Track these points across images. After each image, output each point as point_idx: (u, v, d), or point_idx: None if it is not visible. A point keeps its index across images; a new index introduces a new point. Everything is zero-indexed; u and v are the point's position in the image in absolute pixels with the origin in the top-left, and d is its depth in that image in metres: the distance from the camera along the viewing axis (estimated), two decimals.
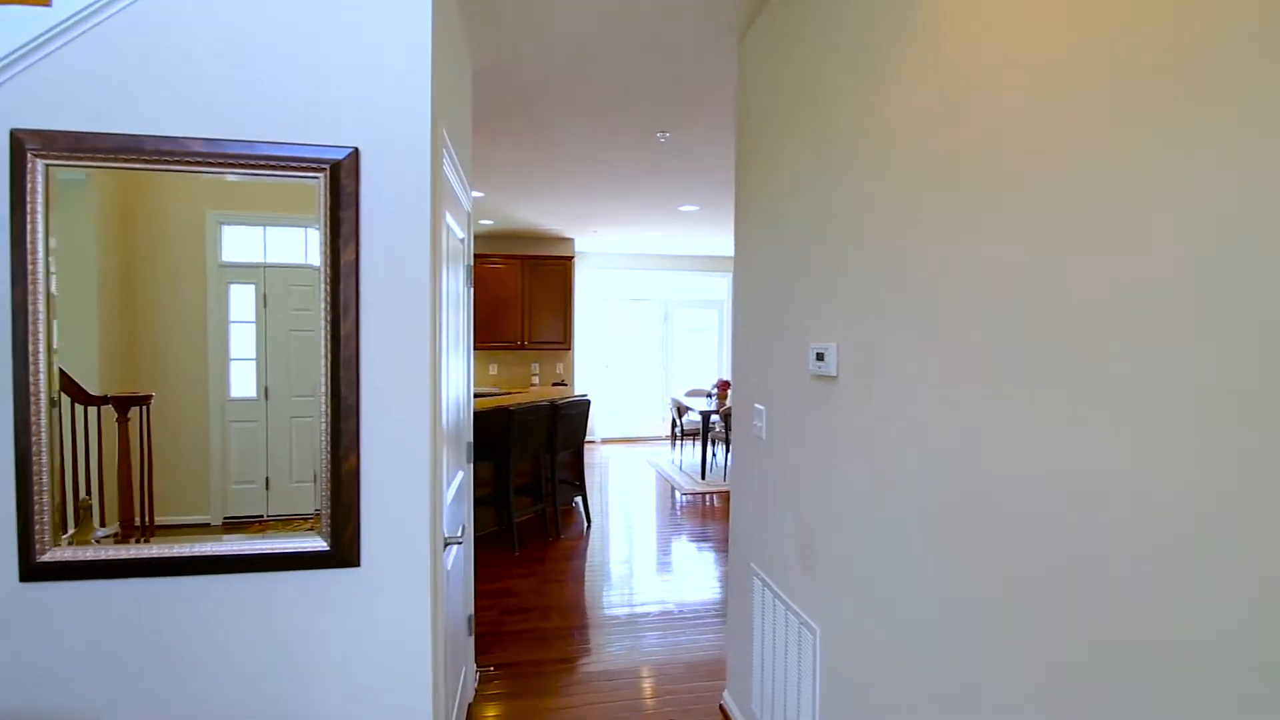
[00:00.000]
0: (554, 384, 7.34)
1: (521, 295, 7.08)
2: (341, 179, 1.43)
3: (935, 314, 1.20)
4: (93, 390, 1.38)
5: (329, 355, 1.44)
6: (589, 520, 5.00)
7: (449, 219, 1.95)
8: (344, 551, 1.47)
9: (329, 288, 1.43)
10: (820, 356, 1.64)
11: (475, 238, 7.26)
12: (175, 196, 1.39)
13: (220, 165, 1.38)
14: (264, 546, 1.42)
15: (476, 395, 6.68)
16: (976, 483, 1.09)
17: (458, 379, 2.21)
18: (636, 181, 4.69)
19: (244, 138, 1.40)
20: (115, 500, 1.38)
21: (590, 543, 4.57)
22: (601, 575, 3.94)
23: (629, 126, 3.47)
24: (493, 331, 7.05)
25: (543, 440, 4.53)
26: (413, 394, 1.51)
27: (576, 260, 8.26)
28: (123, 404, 1.39)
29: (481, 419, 4.60)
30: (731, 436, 2.40)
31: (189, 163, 1.37)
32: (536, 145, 3.84)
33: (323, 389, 1.44)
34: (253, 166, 1.39)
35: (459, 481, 2.23)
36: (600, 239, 7.47)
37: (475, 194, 5.09)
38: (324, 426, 1.45)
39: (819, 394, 1.67)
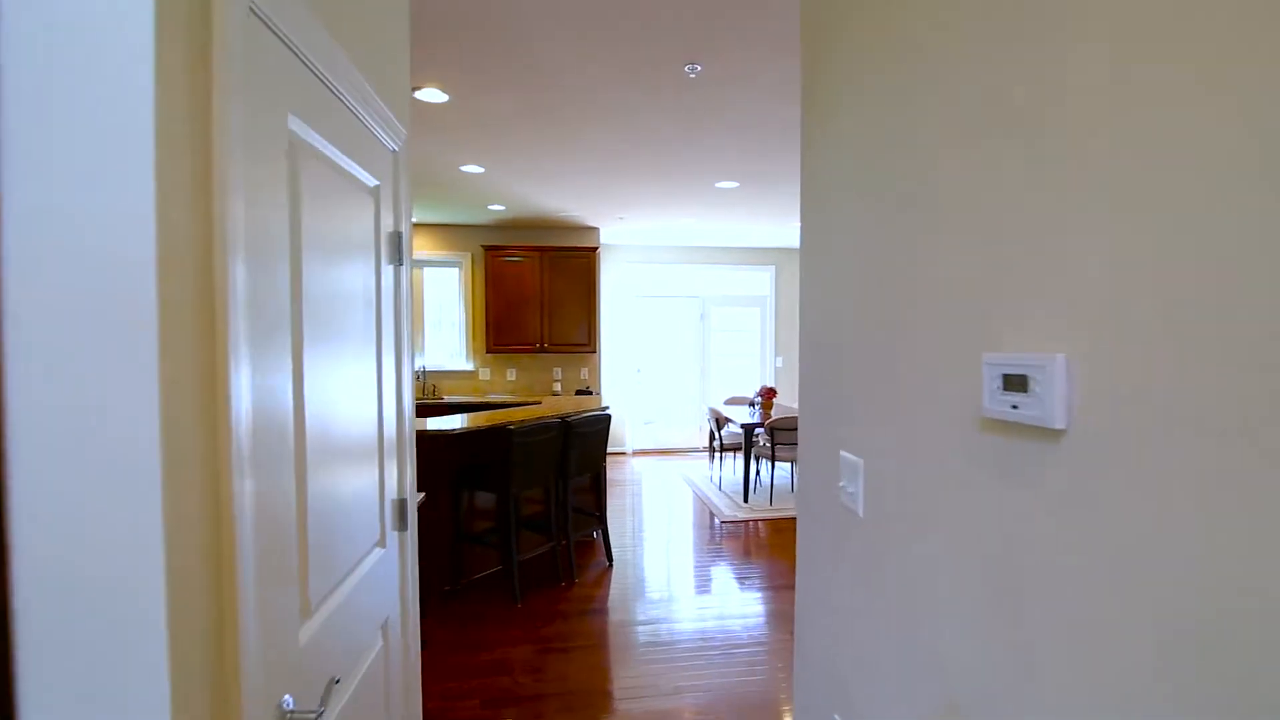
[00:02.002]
0: (578, 391, 6.54)
1: (541, 292, 6.31)
2: None
3: None
4: None
5: None
6: (610, 559, 4.17)
7: (313, 138, 1.13)
8: None
9: None
10: (1015, 384, 0.76)
11: (486, 228, 6.52)
12: None
13: None
14: None
15: (495, 406, 5.93)
16: None
17: (367, 402, 1.39)
18: (663, 144, 3.83)
19: None
20: None
21: (610, 589, 3.73)
22: (622, 638, 3.10)
23: (648, 52, 2.62)
24: (509, 333, 6.29)
25: (553, 464, 3.72)
26: (133, 440, 0.70)
27: (602, 253, 7.46)
28: None
29: (477, 440, 3.82)
30: (800, 498, 1.52)
31: None
32: (533, 89, 3.03)
33: None
34: None
35: (369, 567, 1.42)
36: (627, 228, 6.64)
37: (474, 168, 4.31)
38: None
39: (1009, 459, 0.79)
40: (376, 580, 1.47)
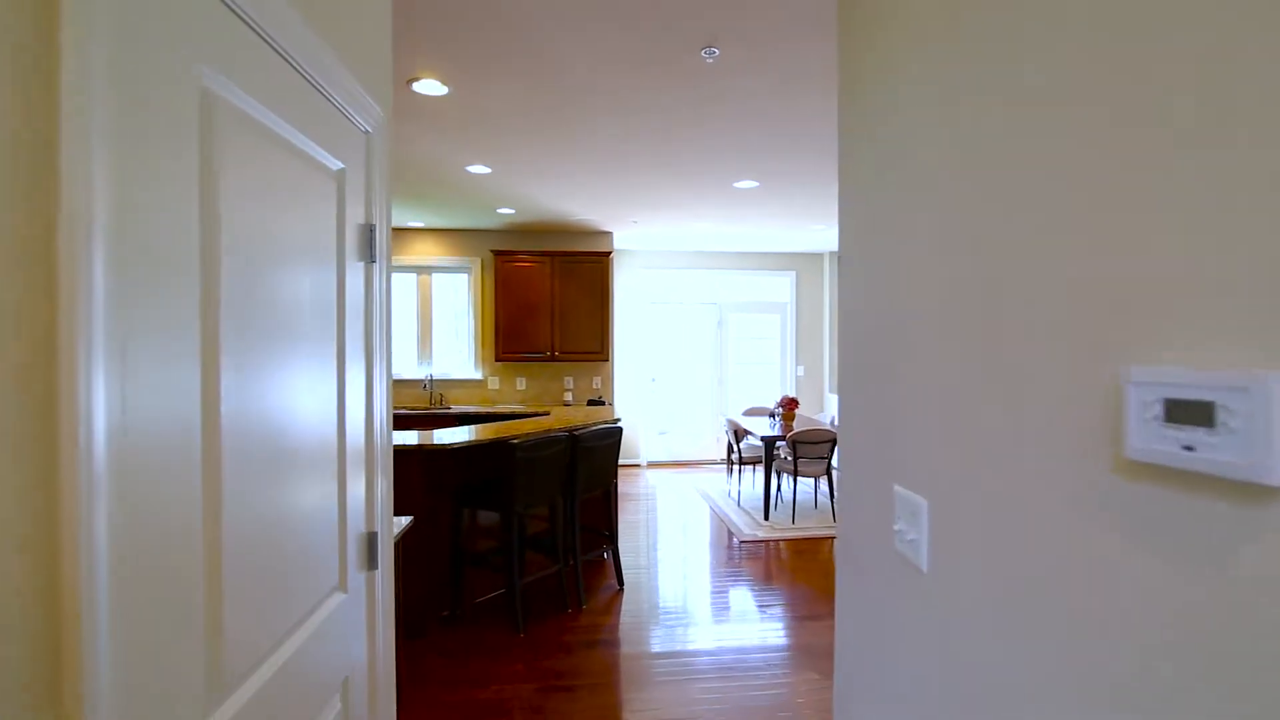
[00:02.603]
0: (590, 401, 6.32)
1: (551, 298, 6.10)
2: None
3: None
4: None
5: None
6: (621, 582, 3.92)
7: (241, 100, 0.91)
8: None
9: None
10: (1188, 414, 0.52)
11: (495, 232, 6.34)
12: None
13: None
14: None
15: (503, 416, 5.72)
16: None
17: (322, 418, 1.17)
18: (678, 140, 3.61)
19: None
20: None
21: (620, 616, 3.48)
22: (633, 674, 2.84)
23: (661, 36, 2.39)
24: (519, 340, 6.09)
25: (559, 481, 3.48)
26: None
27: (615, 258, 7.26)
28: None
29: (478, 455, 3.61)
30: (840, 540, 1.26)
31: None
32: (538, 80, 2.82)
33: None
34: None
35: (324, 618, 1.19)
36: (641, 232, 6.43)
37: (480, 169, 4.12)
38: None
39: (1173, 522, 0.54)
40: (334, 633, 1.24)
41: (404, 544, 3.25)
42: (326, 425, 1.22)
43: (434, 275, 6.47)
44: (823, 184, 4.49)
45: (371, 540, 1.44)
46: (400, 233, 6.34)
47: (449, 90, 2.85)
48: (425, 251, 6.40)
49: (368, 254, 1.43)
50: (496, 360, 6.16)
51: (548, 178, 4.33)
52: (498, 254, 6.08)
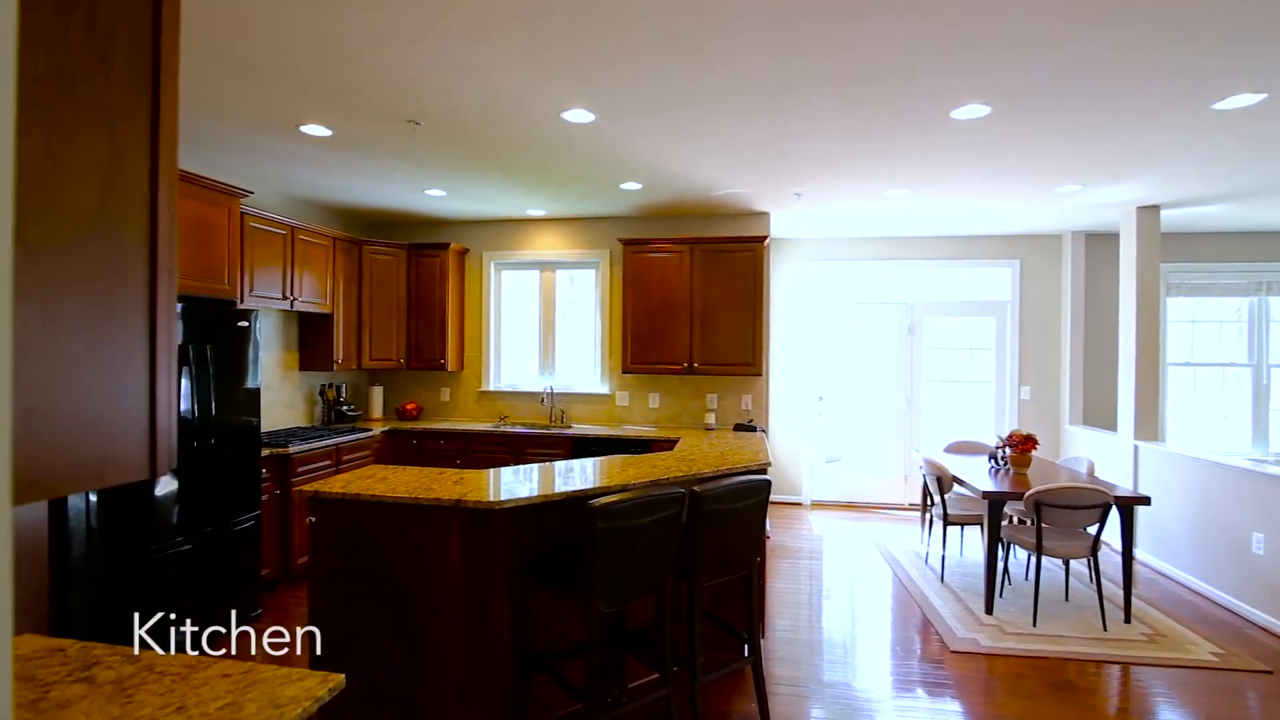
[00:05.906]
0: (737, 426, 5.04)
1: (690, 296, 4.93)
2: None
3: None
4: None
5: None
6: (766, 712, 2.61)
7: None
8: None
9: None
10: None
11: (624, 220, 5.30)
12: None
13: None
14: None
15: (628, 442, 4.65)
16: None
17: None
18: (860, 33, 2.25)
19: None
20: None
21: None
22: None
23: None
24: (651, 348, 4.99)
25: (667, 560, 2.29)
26: None
27: (772, 246, 5.88)
28: None
29: (547, 517, 2.52)
30: None
31: None
32: None
33: None
34: None
35: None
36: (805, 211, 5.03)
37: (579, 114, 3.05)
38: None
39: None
40: None
41: (432, 637, 2.25)
42: None
43: (558, 271, 5.60)
44: (1108, 93, 2.84)
45: None
46: (519, 224, 5.55)
47: None
48: (548, 245, 5.54)
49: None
50: (624, 372, 5.11)
51: (671, 124, 3.16)
52: (626, 243, 5.04)
